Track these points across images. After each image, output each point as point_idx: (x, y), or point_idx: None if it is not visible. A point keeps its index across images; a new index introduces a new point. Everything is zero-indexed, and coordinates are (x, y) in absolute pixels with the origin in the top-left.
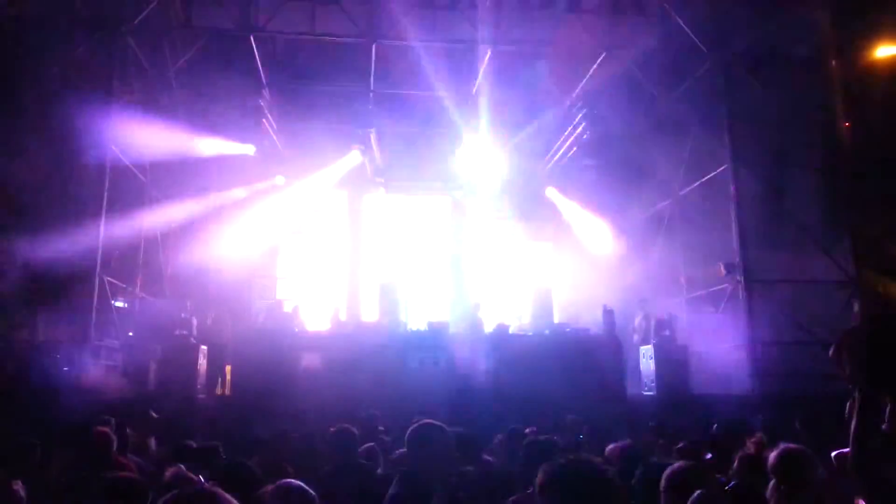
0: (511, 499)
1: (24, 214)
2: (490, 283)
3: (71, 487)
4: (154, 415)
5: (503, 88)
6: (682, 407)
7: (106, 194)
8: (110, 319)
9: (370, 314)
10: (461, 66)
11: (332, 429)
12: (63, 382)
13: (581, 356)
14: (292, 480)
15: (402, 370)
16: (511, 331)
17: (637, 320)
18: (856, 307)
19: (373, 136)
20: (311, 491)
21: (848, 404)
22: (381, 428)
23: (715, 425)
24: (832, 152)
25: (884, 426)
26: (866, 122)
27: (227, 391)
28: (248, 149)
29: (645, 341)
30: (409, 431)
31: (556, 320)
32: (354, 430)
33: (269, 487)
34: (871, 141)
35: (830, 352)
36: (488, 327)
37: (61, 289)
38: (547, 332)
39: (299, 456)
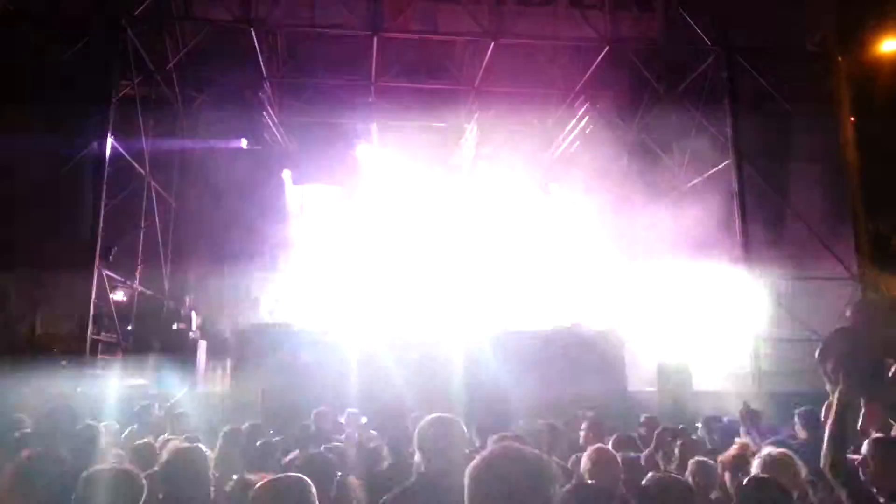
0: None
1: (24, 207)
2: (491, 279)
3: None
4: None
5: (506, 82)
6: (684, 403)
7: (105, 187)
8: (109, 313)
9: (371, 311)
10: (463, 61)
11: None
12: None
13: (583, 352)
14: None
15: (403, 367)
16: (512, 327)
17: None
18: (847, 312)
19: (374, 130)
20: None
21: (824, 407)
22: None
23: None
24: (836, 147)
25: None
26: (871, 117)
27: (227, 386)
28: (241, 142)
29: None
30: (422, 427)
31: (557, 316)
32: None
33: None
34: (875, 136)
35: (816, 354)
36: (487, 323)
37: (60, 282)
38: (549, 327)
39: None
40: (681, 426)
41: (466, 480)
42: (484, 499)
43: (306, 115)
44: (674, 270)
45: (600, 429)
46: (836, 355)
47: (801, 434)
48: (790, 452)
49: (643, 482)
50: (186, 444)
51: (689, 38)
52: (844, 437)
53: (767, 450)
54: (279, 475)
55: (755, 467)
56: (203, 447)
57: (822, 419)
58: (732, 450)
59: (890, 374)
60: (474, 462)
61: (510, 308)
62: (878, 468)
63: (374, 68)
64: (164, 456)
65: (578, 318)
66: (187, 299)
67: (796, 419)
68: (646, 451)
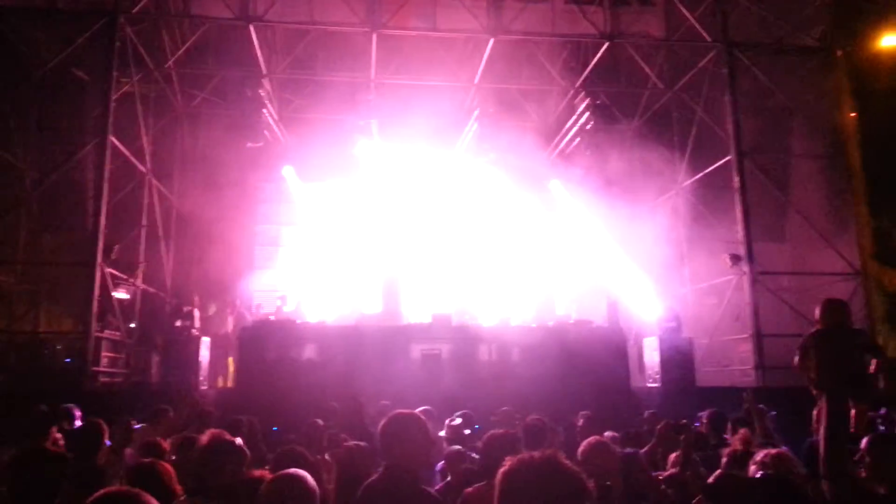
0: (468, 490)
1: (26, 204)
2: (493, 273)
3: None
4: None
5: (506, 79)
6: (686, 399)
7: (106, 185)
8: (112, 311)
9: (373, 306)
10: (462, 56)
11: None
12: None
13: (584, 348)
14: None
15: (405, 362)
16: (513, 323)
17: None
18: (815, 313)
19: (374, 126)
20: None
21: (815, 412)
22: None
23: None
24: (837, 142)
25: (851, 429)
26: (872, 112)
27: (230, 383)
28: (241, 140)
29: None
30: (381, 424)
31: (559, 312)
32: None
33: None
34: (876, 131)
35: (796, 359)
36: (485, 319)
37: (63, 280)
38: (550, 323)
39: None
40: (683, 421)
41: (499, 483)
42: None
43: (306, 112)
44: (674, 266)
45: (596, 426)
46: (816, 360)
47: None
48: (787, 451)
49: (709, 481)
50: (225, 435)
51: (689, 33)
52: (839, 441)
53: (765, 450)
54: (281, 472)
55: (755, 465)
56: (238, 440)
57: (815, 424)
58: (735, 444)
59: (871, 370)
60: (510, 466)
61: (512, 302)
62: (877, 463)
63: (373, 65)
64: (202, 443)
65: (581, 314)
66: (196, 298)
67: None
68: (647, 446)
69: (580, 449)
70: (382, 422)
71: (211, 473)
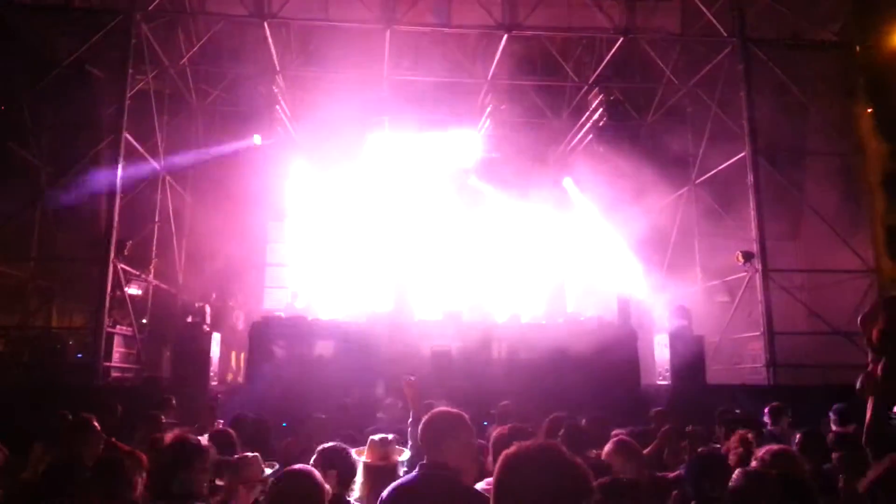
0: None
1: (39, 201)
2: (503, 271)
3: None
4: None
5: (519, 74)
6: (696, 397)
7: (119, 181)
8: (124, 306)
9: (384, 303)
10: (476, 53)
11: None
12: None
13: (595, 345)
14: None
15: (416, 359)
16: (524, 320)
17: None
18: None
19: (386, 123)
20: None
21: (861, 377)
22: None
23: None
24: (854, 139)
25: None
26: (889, 108)
27: (239, 378)
28: (255, 139)
29: None
30: (426, 420)
31: (570, 309)
32: None
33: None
34: (893, 127)
35: (860, 319)
36: (496, 316)
37: (76, 276)
38: (560, 320)
39: None
40: (688, 427)
41: (499, 466)
42: (510, 492)
43: (319, 109)
44: (686, 263)
45: (598, 424)
46: (883, 325)
47: (835, 429)
48: (789, 448)
49: (730, 482)
50: (189, 437)
51: (705, 28)
52: (887, 408)
53: (767, 446)
54: (288, 468)
55: (757, 462)
56: (232, 432)
57: (859, 387)
58: (733, 442)
59: None
60: (511, 451)
61: (523, 299)
62: None
63: (386, 61)
64: (166, 444)
65: (592, 311)
66: (213, 295)
67: (831, 415)
68: (650, 446)
69: (605, 448)
70: (425, 419)
71: (177, 475)
